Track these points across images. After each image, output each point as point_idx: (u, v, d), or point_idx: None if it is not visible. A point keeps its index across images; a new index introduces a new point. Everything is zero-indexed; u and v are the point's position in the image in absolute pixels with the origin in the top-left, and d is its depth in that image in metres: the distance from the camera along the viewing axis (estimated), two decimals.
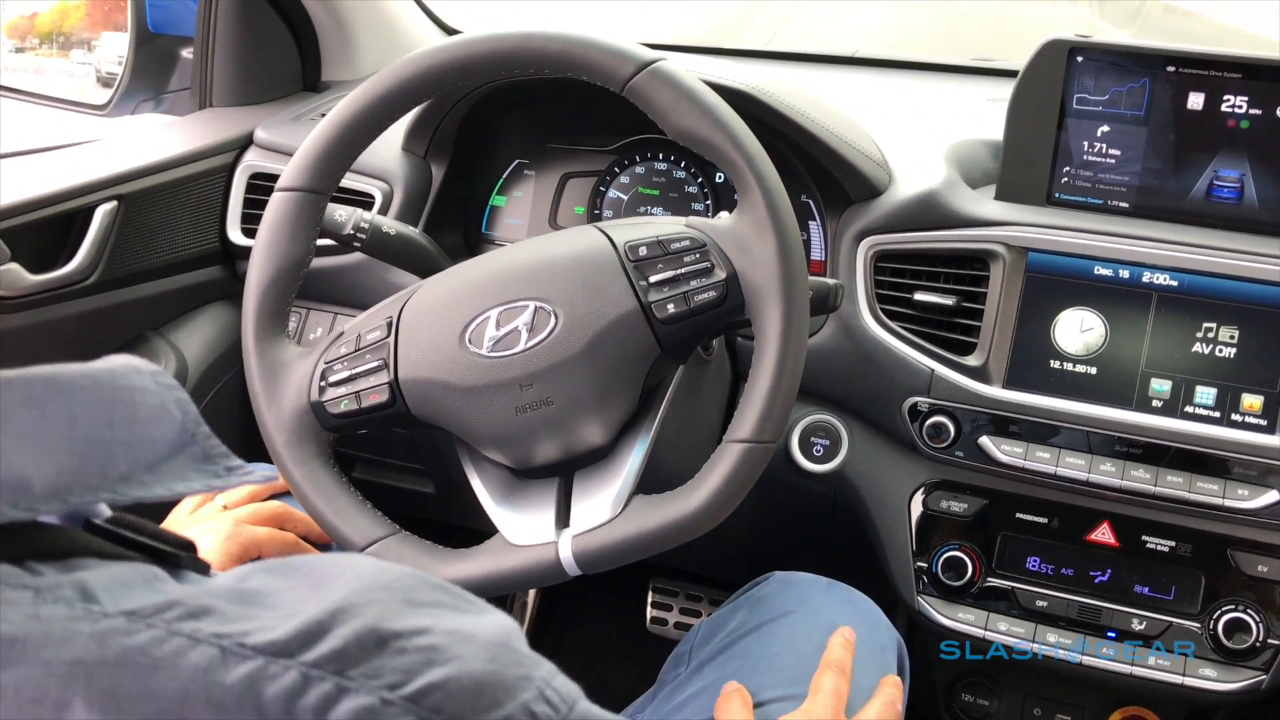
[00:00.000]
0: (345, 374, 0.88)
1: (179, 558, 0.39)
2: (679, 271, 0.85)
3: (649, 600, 1.72)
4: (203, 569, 0.39)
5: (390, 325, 0.89)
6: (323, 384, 0.89)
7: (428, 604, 0.36)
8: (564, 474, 0.90)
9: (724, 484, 0.83)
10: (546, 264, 0.88)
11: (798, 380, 0.84)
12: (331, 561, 0.38)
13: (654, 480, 0.88)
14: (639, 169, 1.28)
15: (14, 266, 1.13)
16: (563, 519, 0.87)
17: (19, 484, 0.33)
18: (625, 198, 1.28)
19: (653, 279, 0.85)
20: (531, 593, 1.79)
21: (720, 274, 0.85)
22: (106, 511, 0.39)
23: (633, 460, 0.87)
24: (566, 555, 0.84)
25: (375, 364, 0.88)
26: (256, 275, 0.91)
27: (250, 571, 0.38)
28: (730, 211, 1.23)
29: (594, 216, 1.29)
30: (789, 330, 0.83)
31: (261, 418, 0.90)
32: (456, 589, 0.39)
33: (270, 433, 0.90)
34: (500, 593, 0.85)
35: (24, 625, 0.30)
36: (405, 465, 1.43)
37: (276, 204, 0.91)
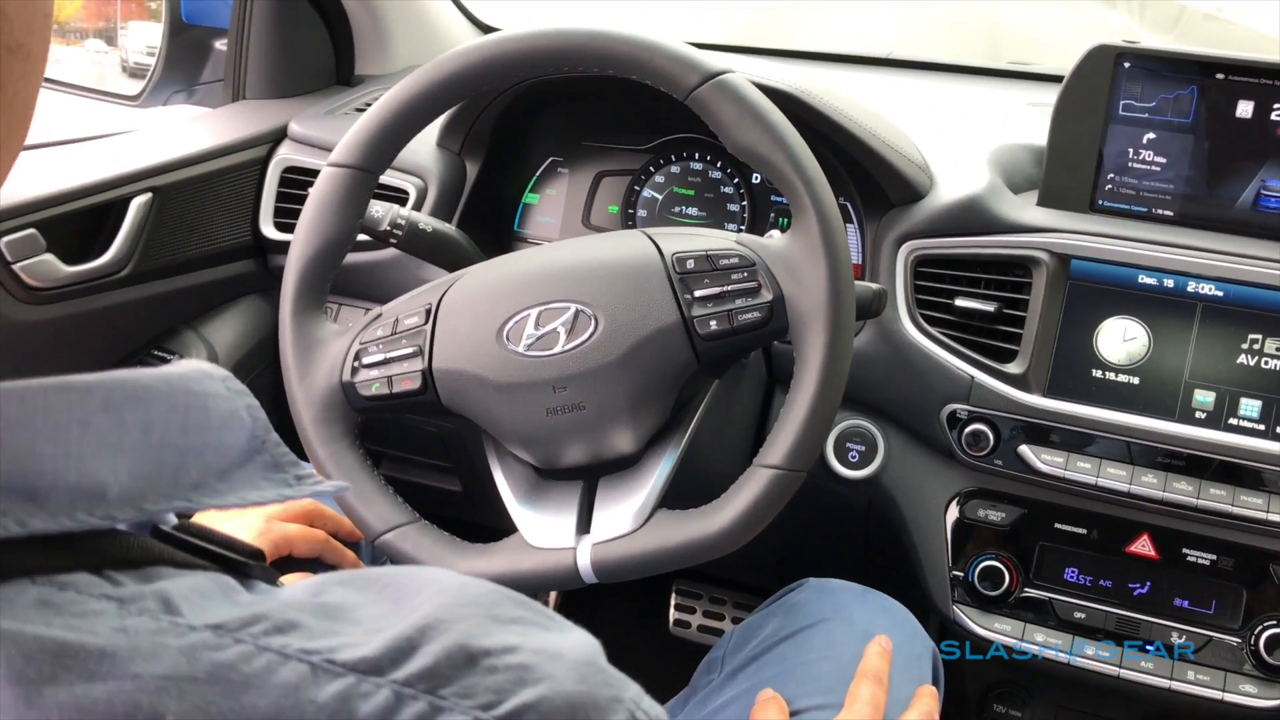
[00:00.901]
0: (379, 357, 0.88)
1: (249, 567, 0.38)
2: (725, 289, 0.84)
3: (672, 603, 1.71)
4: (272, 579, 0.39)
5: (429, 313, 0.89)
6: (356, 364, 0.88)
7: (512, 620, 0.36)
8: (589, 479, 0.89)
9: (750, 508, 0.82)
10: (591, 267, 0.87)
11: (835, 410, 0.83)
12: (409, 576, 0.37)
13: (681, 488, 0.88)
14: (674, 168, 1.27)
15: (49, 258, 1.12)
16: (584, 525, 0.87)
17: (95, 490, 0.32)
18: (660, 197, 1.27)
19: (698, 293, 0.84)
20: (553, 592, 1.79)
21: (767, 295, 0.84)
22: (172, 518, 0.38)
23: (659, 472, 0.87)
24: (585, 563, 0.84)
25: (410, 350, 0.87)
26: (300, 249, 0.90)
27: (325, 584, 0.37)
28: (767, 216, 1.23)
29: (628, 216, 1.28)
30: (831, 360, 0.82)
31: (292, 393, 0.90)
32: (537, 605, 0.38)
33: (299, 408, 0.89)
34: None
35: (112, 638, 0.30)
36: (432, 463, 1.42)
37: (326, 179, 0.90)
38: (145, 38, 1.62)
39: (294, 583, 0.40)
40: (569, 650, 0.35)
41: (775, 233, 0.90)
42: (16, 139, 0.37)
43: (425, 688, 0.32)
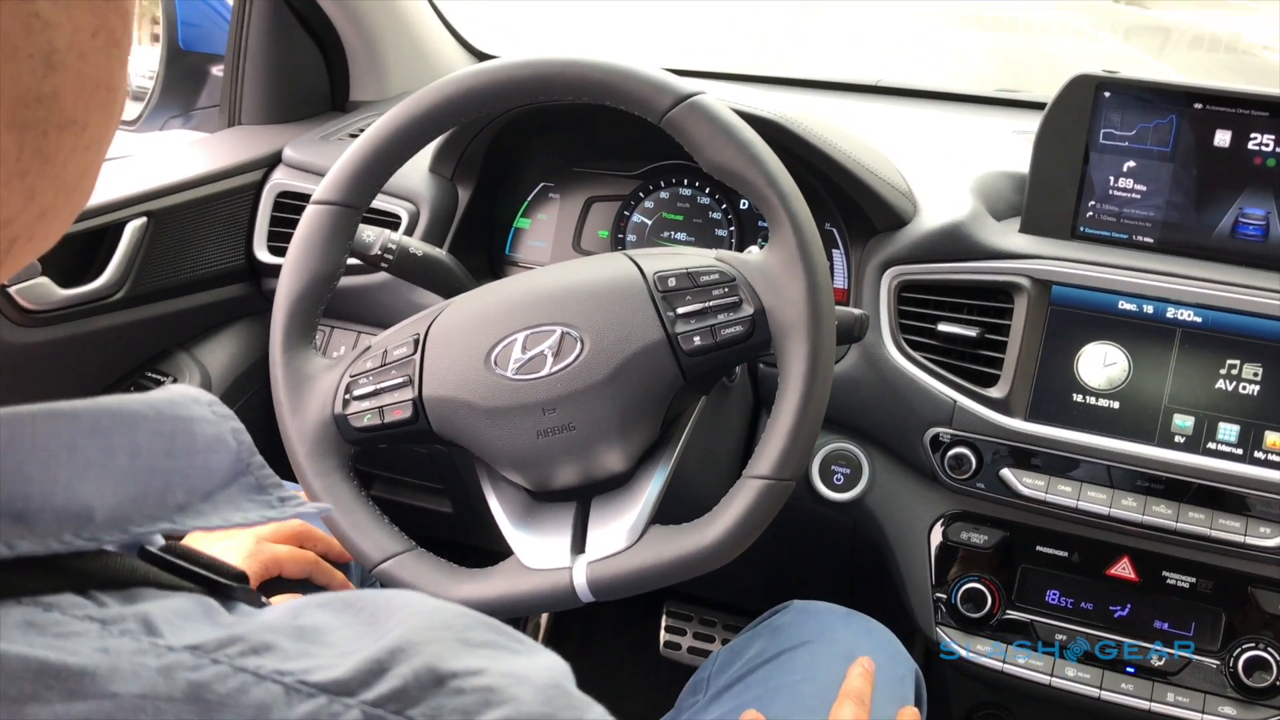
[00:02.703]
0: (370, 388, 0.89)
1: (232, 589, 0.39)
2: (707, 304, 0.85)
3: (662, 625, 1.72)
4: (254, 601, 0.40)
5: (417, 342, 0.90)
6: (347, 397, 0.89)
7: (482, 644, 0.37)
8: (582, 499, 0.90)
9: (741, 520, 0.83)
10: (575, 289, 0.88)
11: (820, 419, 0.84)
12: (385, 599, 0.38)
13: (672, 506, 0.88)
14: (663, 194, 1.28)
15: (44, 280, 1.14)
16: (578, 544, 0.87)
17: (83, 513, 0.33)
18: (649, 222, 1.29)
19: (680, 310, 0.86)
20: (544, 615, 1.79)
21: (748, 309, 0.85)
22: (158, 540, 0.39)
23: (651, 489, 0.88)
24: (581, 582, 0.84)
25: (400, 380, 0.89)
26: (287, 286, 0.91)
27: (303, 607, 0.38)
28: (755, 240, 1.25)
29: (618, 240, 1.30)
30: (814, 369, 0.83)
31: (285, 428, 0.91)
32: (509, 629, 0.39)
33: (293, 443, 0.90)
34: (513, 615, 0.85)
35: (93, 658, 0.31)
36: (423, 484, 1.43)
37: (310, 217, 0.92)
38: (148, 62, 1.63)
39: (281, 603, 0.41)
40: (536, 674, 0.36)
41: (754, 248, 0.91)
42: (68, 208, 0.37)
43: (394, 708, 0.33)
